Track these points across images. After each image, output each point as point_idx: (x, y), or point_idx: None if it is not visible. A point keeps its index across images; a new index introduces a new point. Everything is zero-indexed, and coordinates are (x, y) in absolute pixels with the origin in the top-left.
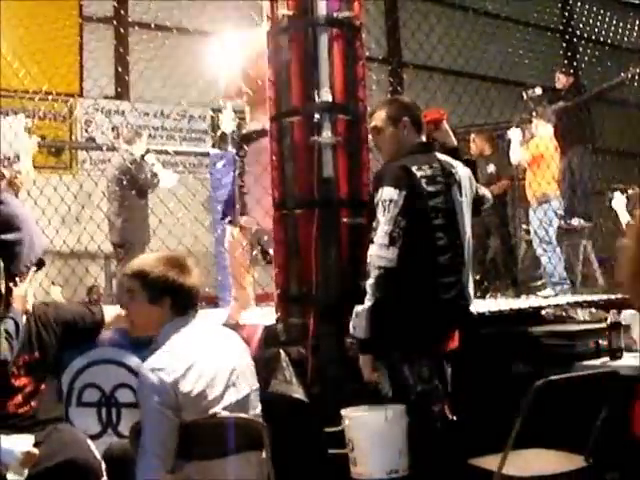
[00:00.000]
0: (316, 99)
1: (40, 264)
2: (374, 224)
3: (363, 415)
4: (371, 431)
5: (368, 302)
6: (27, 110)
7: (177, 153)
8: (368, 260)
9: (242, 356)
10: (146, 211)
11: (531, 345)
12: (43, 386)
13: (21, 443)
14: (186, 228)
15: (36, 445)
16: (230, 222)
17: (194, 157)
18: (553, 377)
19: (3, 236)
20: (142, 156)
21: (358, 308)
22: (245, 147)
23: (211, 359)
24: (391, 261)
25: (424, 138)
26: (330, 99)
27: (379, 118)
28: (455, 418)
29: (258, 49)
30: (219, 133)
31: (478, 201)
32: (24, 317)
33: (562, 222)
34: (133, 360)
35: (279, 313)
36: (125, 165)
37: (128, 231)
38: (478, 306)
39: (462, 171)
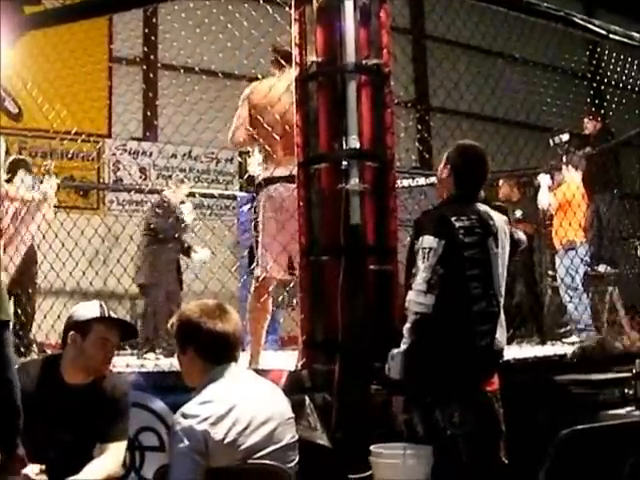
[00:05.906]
0: (344, 146)
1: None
2: (413, 270)
3: (384, 452)
4: (392, 468)
5: (404, 345)
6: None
7: (204, 195)
8: (406, 305)
9: (282, 407)
10: (171, 255)
11: (556, 393)
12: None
13: None
14: (213, 273)
15: None
16: (252, 273)
17: (222, 200)
18: (579, 427)
19: None
20: (182, 202)
21: (394, 351)
22: (256, 195)
23: (249, 409)
24: (428, 307)
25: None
26: (358, 146)
27: (442, 160)
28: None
29: (271, 96)
30: (246, 176)
31: (514, 245)
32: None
33: (588, 268)
34: (157, 404)
35: (304, 359)
36: (153, 209)
37: (153, 274)
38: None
39: (500, 223)
